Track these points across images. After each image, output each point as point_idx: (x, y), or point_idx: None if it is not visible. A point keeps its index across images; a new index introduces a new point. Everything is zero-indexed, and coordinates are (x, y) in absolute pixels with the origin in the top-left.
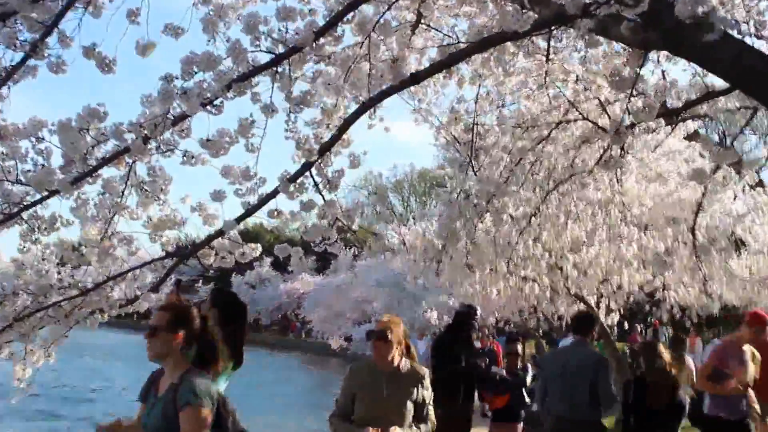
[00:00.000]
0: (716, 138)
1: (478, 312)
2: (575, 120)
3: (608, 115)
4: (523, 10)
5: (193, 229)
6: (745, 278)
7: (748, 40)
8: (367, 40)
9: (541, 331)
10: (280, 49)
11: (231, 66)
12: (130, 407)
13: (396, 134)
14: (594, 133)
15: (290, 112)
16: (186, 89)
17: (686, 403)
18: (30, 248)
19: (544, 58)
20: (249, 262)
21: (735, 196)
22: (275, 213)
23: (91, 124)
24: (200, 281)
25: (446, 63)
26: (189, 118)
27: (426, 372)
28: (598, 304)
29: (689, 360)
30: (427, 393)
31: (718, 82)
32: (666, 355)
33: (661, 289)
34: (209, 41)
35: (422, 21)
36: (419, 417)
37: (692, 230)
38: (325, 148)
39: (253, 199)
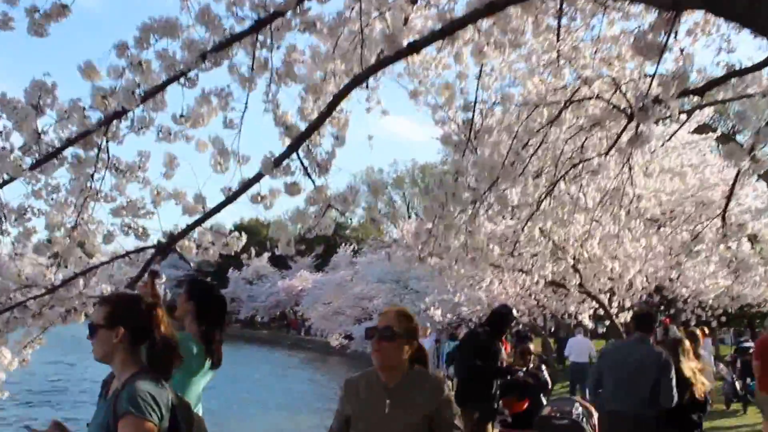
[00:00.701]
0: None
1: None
2: (588, 98)
3: (623, 94)
4: None
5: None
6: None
7: None
8: (358, 3)
9: (548, 329)
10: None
11: (204, 35)
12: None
13: (398, 131)
14: (608, 113)
15: (270, 83)
16: (143, 60)
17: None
18: None
19: (554, 37)
20: (237, 254)
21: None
22: (259, 198)
23: (42, 99)
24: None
25: (447, 30)
26: (161, 92)
27: (447, 384)
28: (610, 302)
29: (705, 355)
30: (450, 412)
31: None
32: (688, 353)
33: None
34: (183, 9)
35: None
36: None
37: (723, 216)
38: (314, 126)
39: (234, 184)
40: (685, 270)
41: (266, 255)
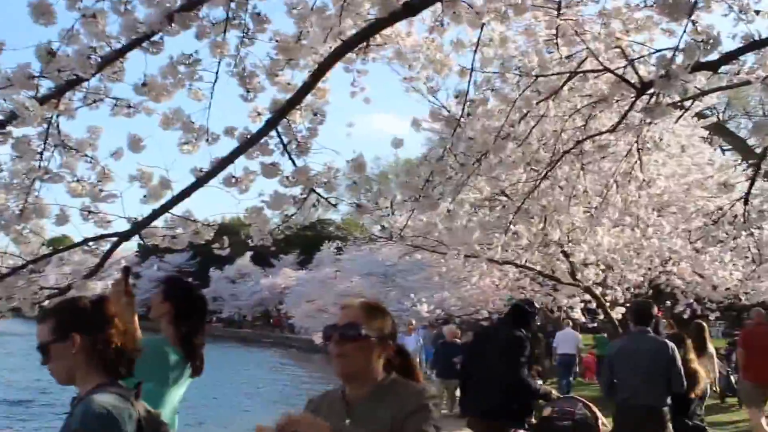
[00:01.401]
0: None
1: (535, 309)
2: (594, 71)
3: (633, 68)
4: None
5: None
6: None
7: None
8: None
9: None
10: None
11: None
12: None
13: (384, 128)
14: (617, 87)
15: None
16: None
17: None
18: None
19: (555, 12)
20: (209, 243)
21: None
22: (233, 180)
23: None
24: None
25: None
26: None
27: (432, 393)
28: (604, 295)
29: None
30: (421, 423)
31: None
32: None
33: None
34: None
35: None
36: None
37: (745, 199)
38: (294, 101)
39: (205, 165)
40: (681, 261)
41: (248, 254)
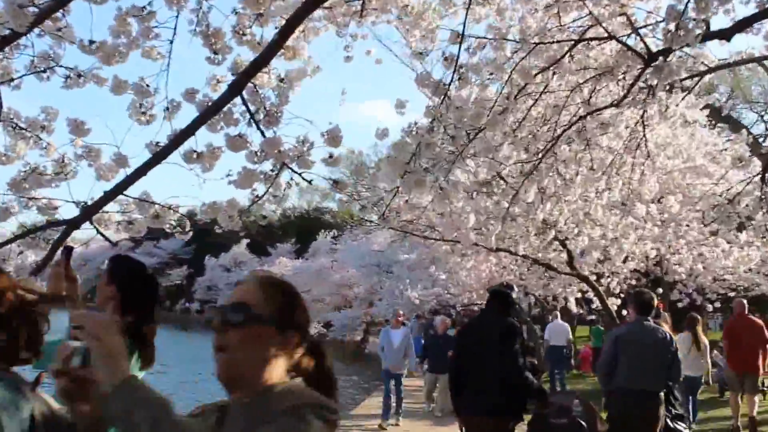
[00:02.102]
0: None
1: (515, 294)
2: (598, 38)
3: (640, 37)
4: None
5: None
6: None
7: None
8: None
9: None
10: None
11: None
12: None
13: (379, 115)
14: (623, 57)
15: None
16: None
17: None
18: None
19: None
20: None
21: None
22: (194, 155)
23: None
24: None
25: None
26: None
27: (323, 404)
28: (599, 285)
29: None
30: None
31: None
32: None
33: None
34: None
35: None
36: None
37: (763, 176)
38: (261, 62)
39: (162, 138)
40: (681, 249)
41: (245, 242)
